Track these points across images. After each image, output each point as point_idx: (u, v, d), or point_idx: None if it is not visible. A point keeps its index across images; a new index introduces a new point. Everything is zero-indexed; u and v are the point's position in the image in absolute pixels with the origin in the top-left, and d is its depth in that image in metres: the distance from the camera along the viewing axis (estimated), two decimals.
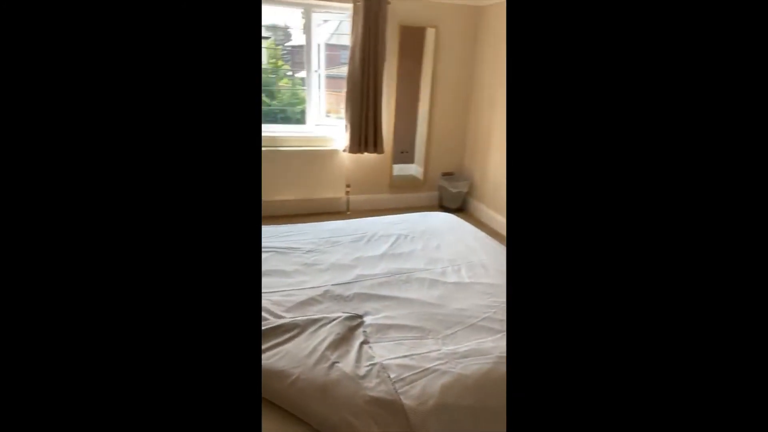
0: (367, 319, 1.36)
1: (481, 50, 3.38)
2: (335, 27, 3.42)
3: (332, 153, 3.28)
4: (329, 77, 3.38)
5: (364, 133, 3.23)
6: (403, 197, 3.75)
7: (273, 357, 1.14)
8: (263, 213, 3.33)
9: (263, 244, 1.87)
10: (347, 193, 3.50)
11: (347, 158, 3.40)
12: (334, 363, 1.13)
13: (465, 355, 1.20)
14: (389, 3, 3.00)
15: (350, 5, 2.95)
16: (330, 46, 3.40)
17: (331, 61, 3.39)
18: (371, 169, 3.55)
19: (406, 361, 1.17)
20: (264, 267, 1.67)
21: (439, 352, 1.22)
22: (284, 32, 3.44)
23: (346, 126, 3.23)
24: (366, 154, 3.38)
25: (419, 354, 1.20)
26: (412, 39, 3.36)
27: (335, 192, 3.41)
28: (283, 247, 1.86)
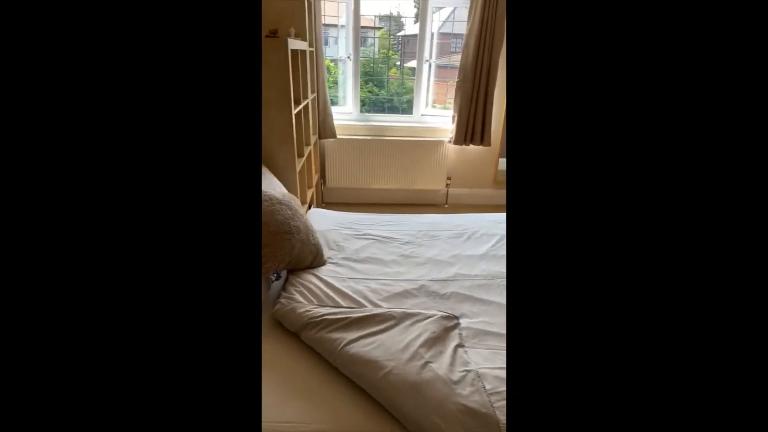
0: (463, 322, 1.31)
1: None
2: (447, 14, 3.32)
3: (436, 144, 3.23)
4: (439, 66, 3.31)
5: (471, 125, 3.11)
6: None
7: (368, 345, 1.15)
8: (366, 200, 3.44)
9: (365, 231, 1.92)
10: (447, 185, 3.43)
11: (451, 150, 3.31)
12: (427, 362, 1.10)
13: None
14: None
15: None
16: (442, 35, 3.32)
17: (442, 50, 3.31)
18: (476, 163, 3.41)
19: (503, 373, 1.09)
20: (364, 254, 1.71)
21: None
22: (397, 22, 3.46)
23: (453, 116, 3.14)
24: (472, 146, 3.26)
25: None
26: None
27: (435, 184, 3.36)
28: (383, 236, 1.89)
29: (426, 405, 1.00)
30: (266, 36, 2.01)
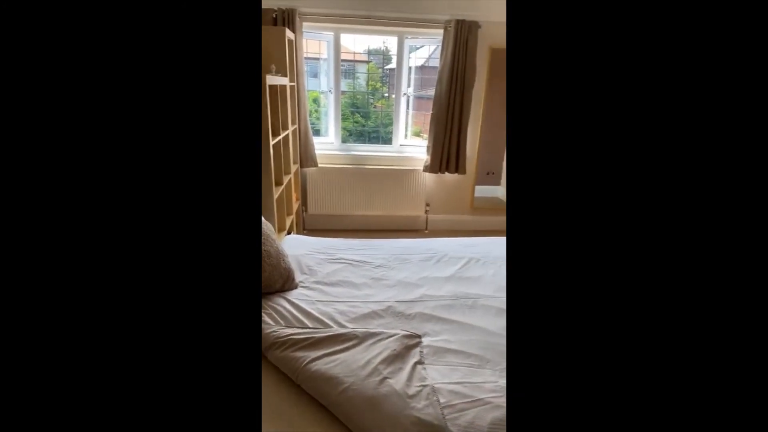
0: (426, 340, 1.36)
1: None
2: (432, 51, 3.53)
3: (413, 172, 3.35)
4: (423, 98, 3.48)
5: (446, 153, 3.25)
6: (485, 219, 3.65)
7: (329, 363, 1.20)
8: (348, 226, 3.52)
9: (339, 256, 1.99)
10: (426, 212, 3.53)
11: (429, 178, 3.44)
12: (385, 378, 1.15)
13: None
14: (480, 27, 3.01)
15: (441, 31, 3.02)
16: (426, 69, 3.52)
17: (425, 84, 3.50)
18: (453, 190, 3.54)
19: (458, 387, 1.15)
20: (336, 277, 1.77)
21: (495, 384, 1.17)
22: (385, 56, 3.66)
23: (428, 147, 3.28)
24: (447, 174, 3.39)
25: (473, 383, 1.17)
26: (504, 61, 3.31)
27: (415, 210, 3.46)
28: (356, 260, 1.95)
29: (382, 419, 1.04)
30: None
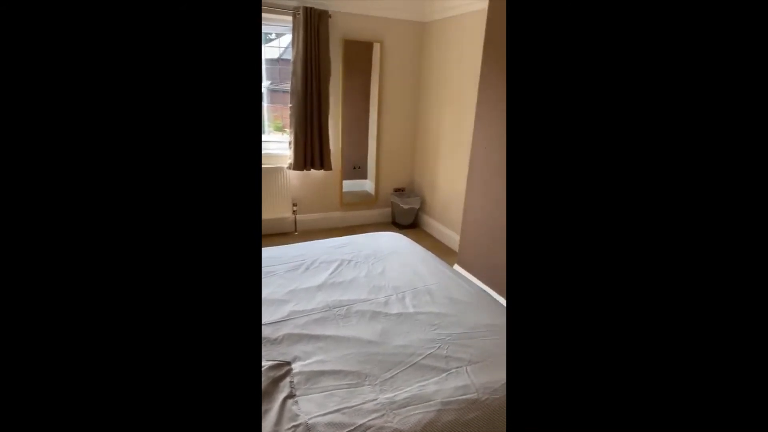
0: (296, 366, 1.20)
1: (428, 65, 3.35)
2: (288, 43, 3.28)
3: (276, 171, 3.10)
4: (280, 92, 3.21)
5: (310, 149, 3.09)
6: (356, 214, 3.61)
7: None
8: None
9: None
10: (294, 212, 3.32)
11: (294, 176, 3.23)
12: None
13: (404, 404, 1.07)
14: (330, 17, 2.90)
15: (290, 18, 2.82)
16: (283, 61, 3.26)
17: (283, 76, 3.23)
18: (320, 187, 3.39)
19: (336, 417, 1.02)
20: None
21: (375, 402, 1.07)
22: None
23: (290, 142, 3.06)
24: (313, 171, 3.23)
25: (351, 407, 1.05)
26: (358, 54, 3.28)
27: (282, 212, 3.22)
28: None
29: None
30: None
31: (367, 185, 3.77)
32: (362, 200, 3.66)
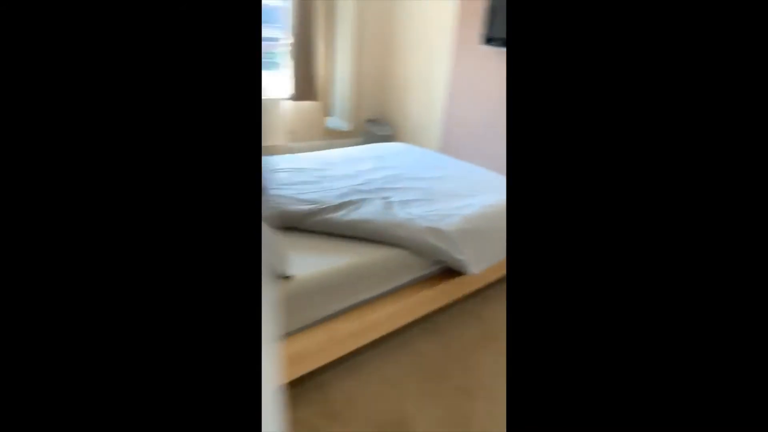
0: (392, 198, 1.96)
1: None
2: None
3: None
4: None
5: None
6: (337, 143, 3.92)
7: (357, 215, 1.68)
8: None
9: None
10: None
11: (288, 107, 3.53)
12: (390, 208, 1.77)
13: (463, 208, 1.92)
14: None
15: None
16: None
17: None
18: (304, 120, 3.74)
19: (430, 213, 1.83)
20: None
21: (449, 207, 1.92)
22: None
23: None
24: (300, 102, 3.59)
25: (434, 210, 1.88)
26: None
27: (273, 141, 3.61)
28: (293, 168, 2.28)
29: (408, 230, 1.65)
30: None
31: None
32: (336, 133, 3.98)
